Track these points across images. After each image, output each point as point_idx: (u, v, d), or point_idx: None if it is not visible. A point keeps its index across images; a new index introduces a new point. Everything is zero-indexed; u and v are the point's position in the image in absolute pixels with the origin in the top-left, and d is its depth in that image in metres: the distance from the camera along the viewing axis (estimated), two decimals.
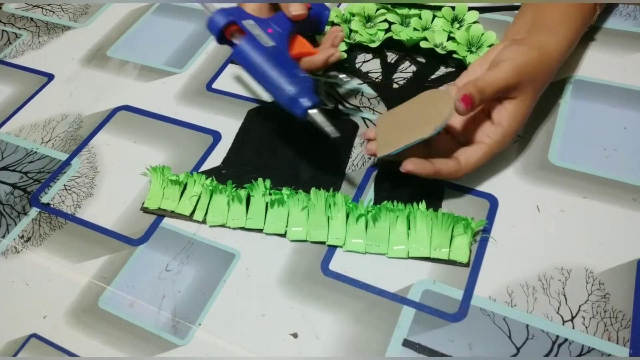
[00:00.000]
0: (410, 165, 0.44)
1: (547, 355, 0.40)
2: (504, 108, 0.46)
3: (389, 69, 0.60)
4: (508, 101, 0.46)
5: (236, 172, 0.53)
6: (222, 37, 0.47)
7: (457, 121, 0.49)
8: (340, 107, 0.57)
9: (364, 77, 0.59)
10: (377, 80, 0.59)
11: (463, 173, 0.46)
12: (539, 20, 0.49)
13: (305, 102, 0.45)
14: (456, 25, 0.60)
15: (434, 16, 0.61)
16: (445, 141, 0.49)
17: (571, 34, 0.49)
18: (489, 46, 0.57)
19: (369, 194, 0.50)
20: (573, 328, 0.41)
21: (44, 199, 0.54)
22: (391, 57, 0.61)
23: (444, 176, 0.46)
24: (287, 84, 0.45)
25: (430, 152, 0.47)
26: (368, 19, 0.63)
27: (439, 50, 0.59)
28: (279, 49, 0.48)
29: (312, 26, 0.55)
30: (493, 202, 0.48)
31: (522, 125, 0.47)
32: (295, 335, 0.43)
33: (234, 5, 0.49)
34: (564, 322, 0.41)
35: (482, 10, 0.61)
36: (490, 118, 0.47)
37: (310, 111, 0.45)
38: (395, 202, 0.46)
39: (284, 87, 0.45)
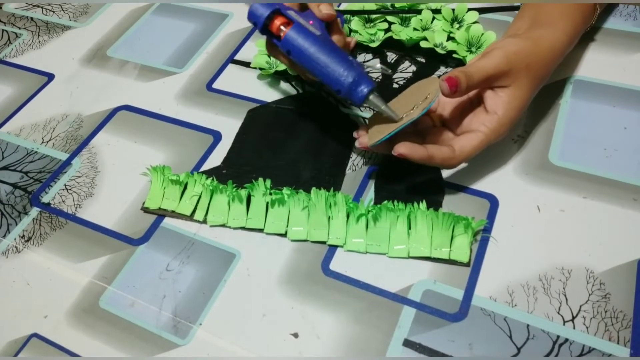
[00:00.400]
0: (402, 149, 0.44)
1: (548, 355, 0.40)
2: (497, 96, 0.45)
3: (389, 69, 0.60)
4: (501, 89, 0.45)
5: (236, 172, 0.53)
6: (265, 27, 0.47)
7: (452, 112, 0.48)
8: (341, 107, 0.57)
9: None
10: (376, 80, 0.59)
11: (458, 161, 0.46)
12: (538, 17, 0.49)
13: (364, 88, 0.45)
14: (456, 25, 0.60)
15: (434, 17, 0.61)
16: (441, 133, 0.48)
17: (570, 29, 0.49)
18: None
19: (370, 193, 0.50)
20: (574, 328, 0.41)
21: (45, 198, 0.54)
22: (391, 57, 0.61)
23: (438, 162, 0.45)
24: (346, 70, 0.45)
25: (424, 144, 0.47)
26: (368, 19, 0.63)
27: (438, 50, 0.59)
28: (326, 37, 0.47)
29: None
30: (493, 202, 0.48)
31: (518, 115, 0.46)
32: (295, 335, 0.43)
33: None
34: (564, 322, 0.41)
35: (481, 10, 0.61)
36: (486, 108, 0.46)
37: (371, 96, 0.46)
38: (395, 202, 0.46)
39: (343, 74, 0.45)
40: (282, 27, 0.46)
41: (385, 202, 0.46)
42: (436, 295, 0.43)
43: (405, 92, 0.49)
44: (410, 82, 0.58)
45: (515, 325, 0.41)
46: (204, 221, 0.50)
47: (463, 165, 0.50)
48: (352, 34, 0.62)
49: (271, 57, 0.61)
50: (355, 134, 0.50)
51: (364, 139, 0.48)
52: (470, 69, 0.44)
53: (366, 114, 0.56)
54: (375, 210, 0.46)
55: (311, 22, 0.48)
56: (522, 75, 0.45)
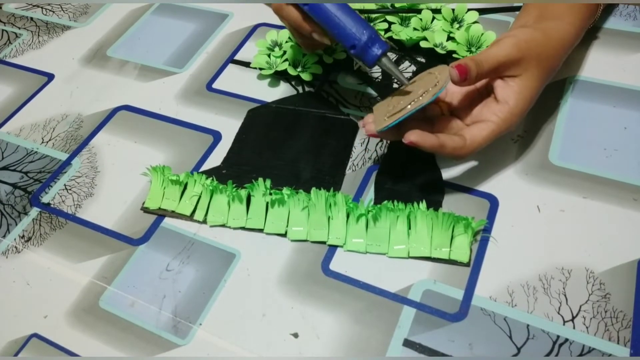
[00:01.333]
0: (413, 136, 0.43)
1: (548, 355, 0.40)
2: (508, 86, 0.45)
3: None
4: (512, 79, 0.45)
5: (236, 172, 0.53)
6: None
7: (461, 102, 0.48)
8: (341, 107, 0.57)
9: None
10: (377, 80, 0.59)
11: (468, 151, 0.45)
12: (544, 12, 0.49)
13: (378, 48, 0.45)
14: (456, 25, 0.60)
15: (434, 17, 0.61)
16: (450, 121, 0.48)
17: (577, 21, 0.49)
18: None
19: (369, 193, 0.50)
20: (574, 328, 0.41)
21: (45, 198, 0.54)
22: (391, 57, 0.61)
23: (448, 151, 0.44)
24: (362, 27, 0.45)
25: (434, 132, 0.46)
26: (368, 20, 0.63)
27: (438, 50, 0.59)
28: None
29: None
30: (493, 202, 0.48)
31: (529, 105, 0.46)
32: (295, 335, 0.43)
33: None
34: (564, 322, 0.41)
35: (481, 11, 0.61)
36: (496, 98, 0.46)
37: (383, 58, 0.46)
38: (395, 202, 0.46)
39: (360, 30, 0.45)
40: None
41: (385, 202, 0.46)
42: (436, 295, 0.43)
43: (415, 79, 0.48)
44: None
45: (515, 325, 0.41)
46: (204, 221, 0.50)
47: (463, 165, 0.50)
48: None
49: (271, 57, 0.61)
50: (360, 123, 0.48)
51: (371, 126, 0.47)
52: (480, 57, 0.44)
53: (366, 114, 0.56)
54: (375, 210, 0.46)
55: None
56: (532, 65, 0.45)
